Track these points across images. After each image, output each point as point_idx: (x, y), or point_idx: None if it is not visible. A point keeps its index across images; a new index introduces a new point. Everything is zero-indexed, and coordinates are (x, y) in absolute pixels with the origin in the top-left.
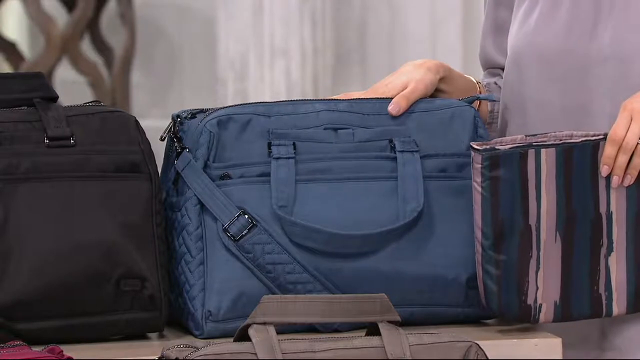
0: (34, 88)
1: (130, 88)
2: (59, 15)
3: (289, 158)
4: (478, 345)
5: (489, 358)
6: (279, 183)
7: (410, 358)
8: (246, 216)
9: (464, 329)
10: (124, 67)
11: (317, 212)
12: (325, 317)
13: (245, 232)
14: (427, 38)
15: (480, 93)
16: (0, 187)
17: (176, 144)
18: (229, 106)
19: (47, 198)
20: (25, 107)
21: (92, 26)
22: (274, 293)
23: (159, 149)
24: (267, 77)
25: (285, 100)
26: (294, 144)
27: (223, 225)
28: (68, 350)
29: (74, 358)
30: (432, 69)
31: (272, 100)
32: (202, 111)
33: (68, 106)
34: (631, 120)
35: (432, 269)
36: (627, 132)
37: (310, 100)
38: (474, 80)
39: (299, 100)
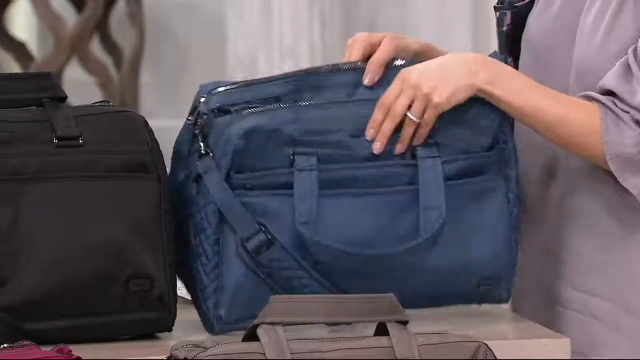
0: (42, 88)
1: (139, 88)
2: (68, 15)
3: (311, 170)
4: (487, 345)
5: (498, 358)
6: (302, 197)
7: (419, 358)
8: (265, 234)
9: (473, 329)
10: (133, 66)
11: (338, 227)
12: (333, 316)
13: (263, 249)
14: (437, 38)
15: None
16: (9, 187)
17: (202, 144)
18: (258, 107)
19: (56, 198)
20: (34, 107)
21: (101, 26)
22: None
23: (167, 149)
24: None
25: (317, 104)
26: (317, 154)
27: (241, 240)
28: (77, 350)
29: (83, 358)
30: (411, 40)
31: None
32: (228, 111)
33: (77, 106)
34: (401, 90)
35: (447, 274)
36: (396, 100)
37: (343, 101)
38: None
39: (332, 103)
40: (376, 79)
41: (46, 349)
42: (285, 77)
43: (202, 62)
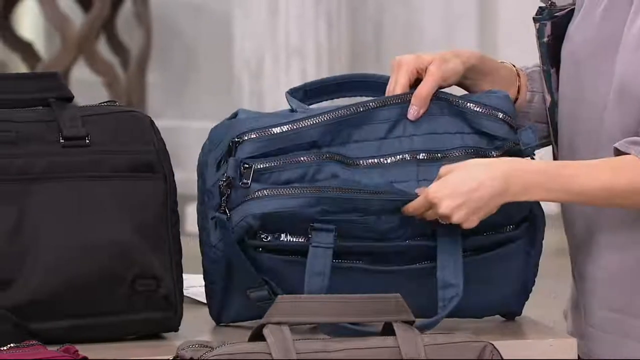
0: (49, 88)
1: (145, 88)
2: (75, 16)
3: (327, 248)
4: (493, 345)
5: (504, 358)
6: (314, 274)
7: (425, 358)
8: (269, 291)
9: (479, 329)
10: (140, 67)
11: None
12: (339, 316)
13: (265, 302)
14: (443, 37)
15: (519, 82)
16: (15, 187)
17: (224, 205)
18: (283, 170)
19: (62, 198)
20: (41, 107)
21: (107, 26)
22: None
23: (174, 149)
24: (282, 76)
25: (348, 189)
26: (335, 230)
27: (246, 289)
28: (83, 350)
29: (89, 358)
30: (460, 55)
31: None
32: (254, 171)
33: (83, 106)
34: (428, 211)
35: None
36: (422, 213)
37: (373, 192)
38: (514, 71)
39: (360, 190)
40: (421, 112)
41: (52, 349)
42: (324, 119)
43: (209, 62)
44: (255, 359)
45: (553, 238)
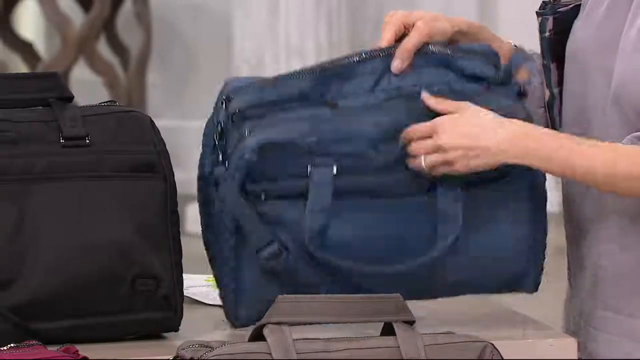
0: (49, 88)
1: (146, 88)
2: (75, 16)
3: (327, 184)
4: (493, 345)
5: (504, 358)
6: (315, 213)
7: (425, 358)
8: (279, 244)
9: (479, 329)
10: (140, 67)
11: (352, 240)
12: (340, 317)
13: (276, 259)
14: None
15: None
16: (15, 187)
17: (219, 153)
18: (277, 114)
19: (62, 198)
20: (41, 107)
21: (108, 26)
22: None
23: (174, 149)
24: None
25: (336, 112)
26: (335, 165)
27: (256, 249)
28: (83, 350)
29: (89, 358)
30: (452, 20)
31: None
32: (246, 117)
33: (83, 106)
34: (428, 138)
35: (465, 279)
36: (418, 141)
37: (363, 105)
38: (515, 48)
39: (352, 108)
40: (404, 65)
41: (52, 349)
42: (311, 70)
43: (209, 62)
44: (256, 359)
45: (553, 237)
